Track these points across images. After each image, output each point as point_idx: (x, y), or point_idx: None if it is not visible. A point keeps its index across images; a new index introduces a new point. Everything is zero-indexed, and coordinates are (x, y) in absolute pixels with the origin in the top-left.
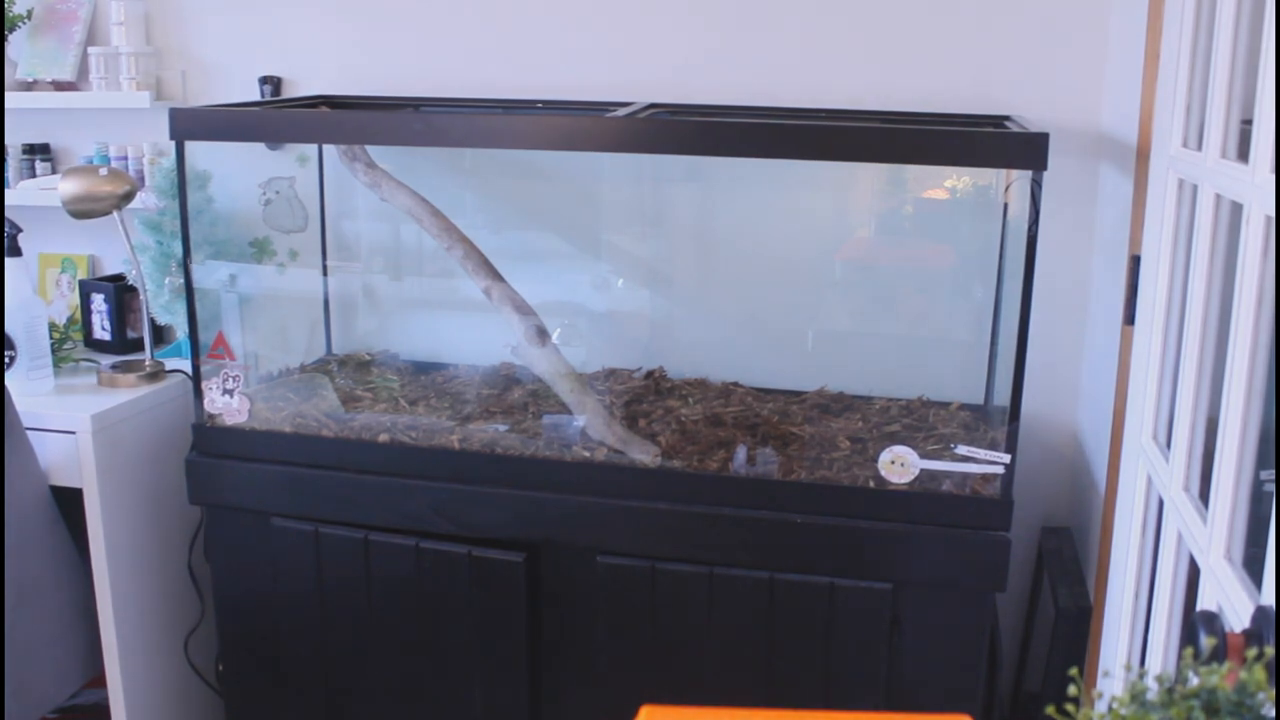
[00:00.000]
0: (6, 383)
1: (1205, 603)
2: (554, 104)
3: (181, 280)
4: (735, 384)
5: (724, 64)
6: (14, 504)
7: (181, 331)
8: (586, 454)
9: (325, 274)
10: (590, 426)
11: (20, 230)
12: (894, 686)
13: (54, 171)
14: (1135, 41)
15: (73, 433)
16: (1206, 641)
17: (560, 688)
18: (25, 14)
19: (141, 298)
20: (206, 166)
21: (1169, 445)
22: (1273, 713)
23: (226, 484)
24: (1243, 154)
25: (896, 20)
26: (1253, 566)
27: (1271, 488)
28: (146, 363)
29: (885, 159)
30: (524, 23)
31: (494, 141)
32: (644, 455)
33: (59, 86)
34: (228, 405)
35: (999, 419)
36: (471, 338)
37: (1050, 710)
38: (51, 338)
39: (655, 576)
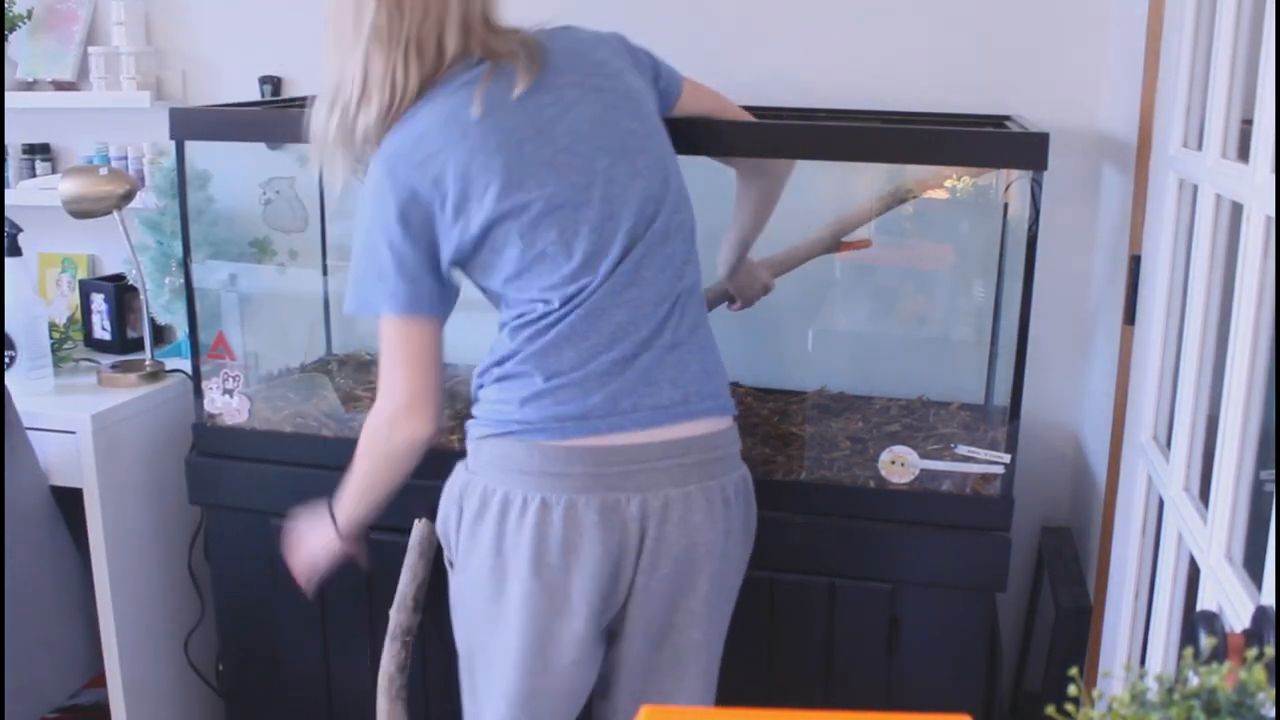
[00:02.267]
0: (6, 383)
1: (1205, 603)
2: None
3: (181, 280)
4: (735, 384)
5: (723, 64)
6: (14, 504)
7: (181, 331)
8: None
9: (325, 274)
10: None
11: (20, 230)
12: (894, 686)
13: (54, 171)
14: (1135, 41)
15: (73, 433)
16: (1206, 641)
17: None
18: (25, 14)
19: (141, 298)
20: (206, 166)
21: (1169, 445)
22: (1273, 713)
23: (226, 484)
24: (1243, 154)
25: (897, 20)
26: (1253, 566)
27: (1271, 488)
28: (146, 363)
29: (885, 159)
30: (523, 24)
31: None
32: None
33: (59, 86)
34: (228, 405)
35: (999, 419)
36: (471, 337)
37: (1050, 710)
38: (51, 338)
39: None
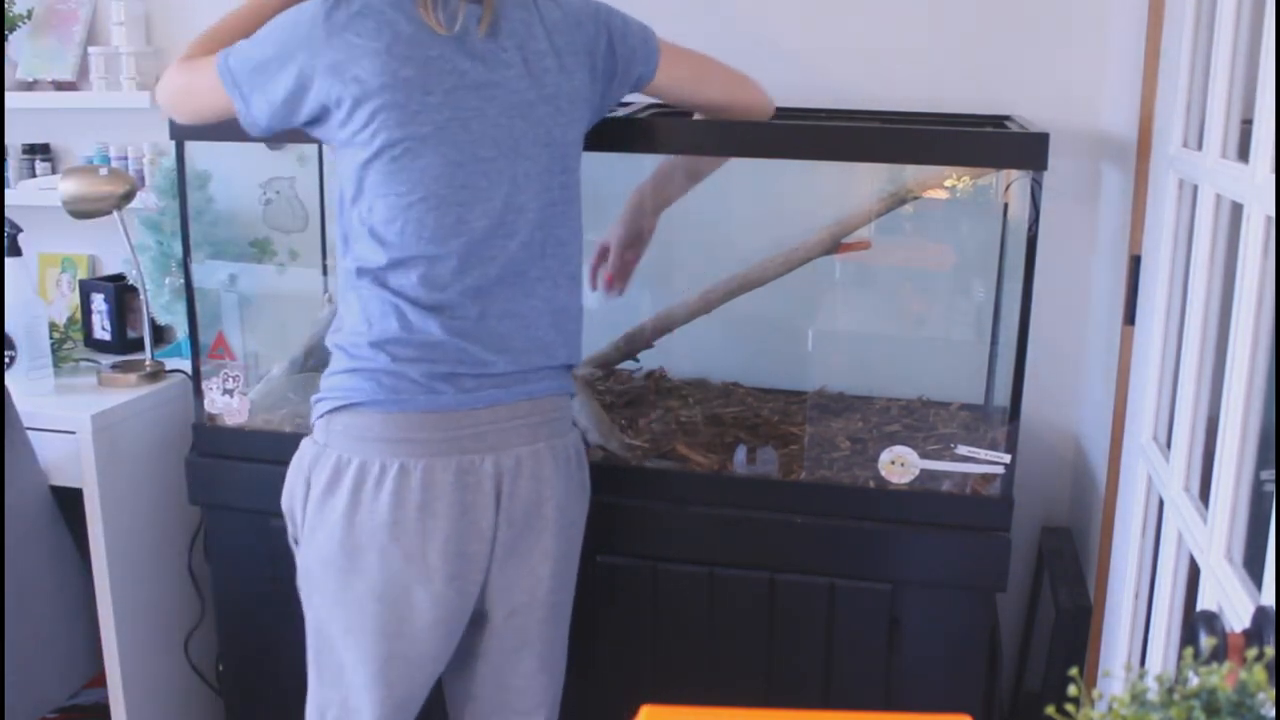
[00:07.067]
0: (6, 383)
1: (1205, 603)
2: None
3: (181, 280)
4: (735, 384)
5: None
6: (14, 504)
7: (181, 331)
8: None
9: (325, 274)
10: (589, 430)
11: (20, 230)
12: (894, 686)
13: (54, 171)
14: (1135, 41)
15: (73, 433)
16: (1206, 641)
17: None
18: (25, 14)
19: (141, 298)
20: (206, 166)
21: (1169, 445)
22: (1273, 713)
23: (226, 484)
24: (1243, 154)
25: (897, 20)
26: (1253, 566)
27: (1271, 488)
28: (146, 363)
29: (885, 159)
30: None
31: None
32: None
33: (59, 86)
34: (228, 405)
35: (999, 419)
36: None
37: (1050, 710)
38: (51, 338)
39: (655, 576)
